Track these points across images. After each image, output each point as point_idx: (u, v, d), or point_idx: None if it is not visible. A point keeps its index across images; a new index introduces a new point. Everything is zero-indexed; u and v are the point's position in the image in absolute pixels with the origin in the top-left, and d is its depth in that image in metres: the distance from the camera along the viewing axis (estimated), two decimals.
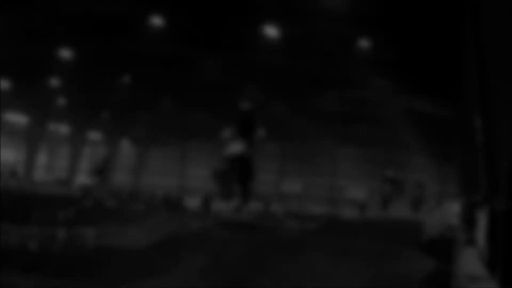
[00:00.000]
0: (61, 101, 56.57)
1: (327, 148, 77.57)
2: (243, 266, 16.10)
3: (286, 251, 17.41)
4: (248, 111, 14.61)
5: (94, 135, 69.91)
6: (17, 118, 61.60)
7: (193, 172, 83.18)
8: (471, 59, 16.91)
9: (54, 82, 48.64)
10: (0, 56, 43.16)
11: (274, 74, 45.63)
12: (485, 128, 12.12)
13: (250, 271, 15.78)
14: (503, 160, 8.86)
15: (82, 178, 60.44)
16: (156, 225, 32.73)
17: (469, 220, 14.48)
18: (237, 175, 13.82)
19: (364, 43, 33.91)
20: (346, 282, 14.98)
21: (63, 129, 66.85)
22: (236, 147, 14.16)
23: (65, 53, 40.35)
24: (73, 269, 15.86)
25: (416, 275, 14.28)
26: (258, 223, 36.70)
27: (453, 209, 17.89)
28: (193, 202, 61.76)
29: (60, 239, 19.19)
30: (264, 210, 57.93)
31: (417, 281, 13.70)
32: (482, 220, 9.54)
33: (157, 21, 34.53)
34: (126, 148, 77.20)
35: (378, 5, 30.61)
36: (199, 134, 76.14)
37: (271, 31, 33.88)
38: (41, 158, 71.04)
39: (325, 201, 75.40)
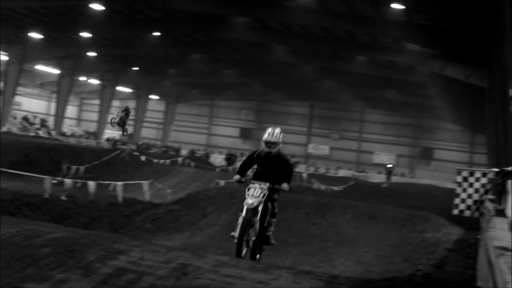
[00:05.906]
0: (91, 54, 56.82)
1: (356, 112, 77.42)
2: None
3: (311, 212, 17.47)
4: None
5: (123, 90, 70.12)
6: (48, 70, 62.03)
7: (221, 130, 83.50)
8: (506, 26, 16.62)
9: (85, 35, 48.76)
10: (31, 8, 43.37)
11: (304, 36, 45.32)
12: None
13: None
14: None
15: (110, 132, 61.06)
16: (182, 180, 33.03)
17: (500, 191, 14.35)
18: None
19: (396, 6, 33.43)
20: (371, 245, 15.03)
21: (93, 82, 67.18)
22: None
23: (96, 6, 40.29)
24: (100, 220, 16.07)
25: (442, 241, 14.28)
26: None
27: (482, 180, 17.71)
28: (219, 160, 62.25)
29: (89, 191, 19.42)
30: None
31: (443, 247, 13.70)
32: None
33: None
34: (154, 104, 77.49)
35: None
36: (227, 91, 76.26)
37: None
38: (71, 110, 71.68)
39: (352, 165, 75.47)
